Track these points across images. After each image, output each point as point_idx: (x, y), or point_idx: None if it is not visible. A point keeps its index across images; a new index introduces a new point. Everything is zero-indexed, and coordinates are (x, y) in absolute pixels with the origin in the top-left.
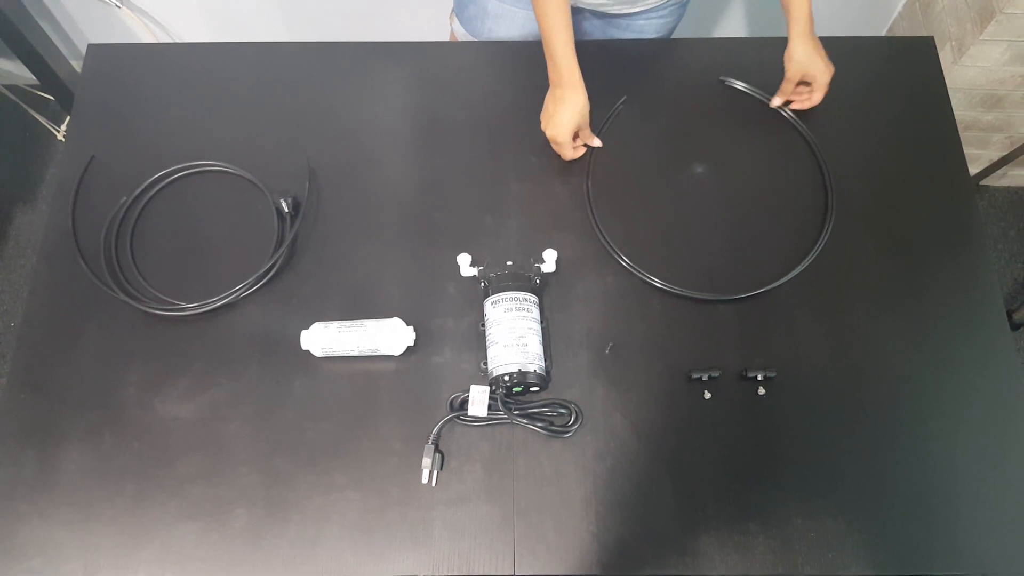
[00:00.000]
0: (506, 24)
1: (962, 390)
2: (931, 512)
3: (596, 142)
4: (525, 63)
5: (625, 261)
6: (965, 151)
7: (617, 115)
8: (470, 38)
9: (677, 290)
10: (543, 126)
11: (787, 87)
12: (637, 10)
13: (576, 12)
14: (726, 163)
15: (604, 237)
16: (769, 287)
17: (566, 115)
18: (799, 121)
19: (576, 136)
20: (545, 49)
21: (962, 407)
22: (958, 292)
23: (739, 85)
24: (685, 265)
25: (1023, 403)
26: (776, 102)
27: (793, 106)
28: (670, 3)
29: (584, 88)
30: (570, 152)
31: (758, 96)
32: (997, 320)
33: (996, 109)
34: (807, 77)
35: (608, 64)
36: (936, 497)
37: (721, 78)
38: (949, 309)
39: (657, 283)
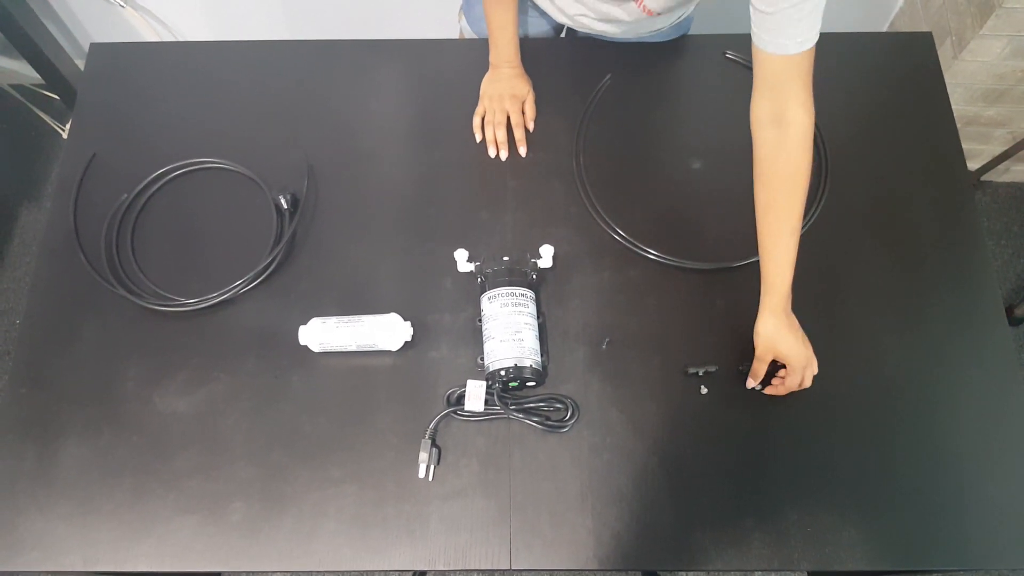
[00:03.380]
0: None
1: (959, 384)
2: (927, 507)
3: (522, 149)
4: (523, 60)
5: (619, 234)
6: (967, 146)
7: (606, 93)
8: (476, 38)
9: (671, 260)
10: (482, 95)
11: (758, 367)
12: (632, 38)
13: (570, 32)
14: (724, 143)
15: (596, 209)
16: (758, 257)
17: (499, 86)
18: None
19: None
20: (489, 34)
21: (959, 401)
22: (955, 286)
23: (743, 59)
24: (680, 238)
25: (1020, 396)
26: (750, 384)
27: (768, 390)
28: (669, 25)
29: (523, 70)
30: (501, 117)
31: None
32: (995, 314)
33: (997, 104)
34: (779, 358)
35: (596, 49)
36: (933, 492)
37: (725, 52)
38: (946, 303)
39: (652, 254)
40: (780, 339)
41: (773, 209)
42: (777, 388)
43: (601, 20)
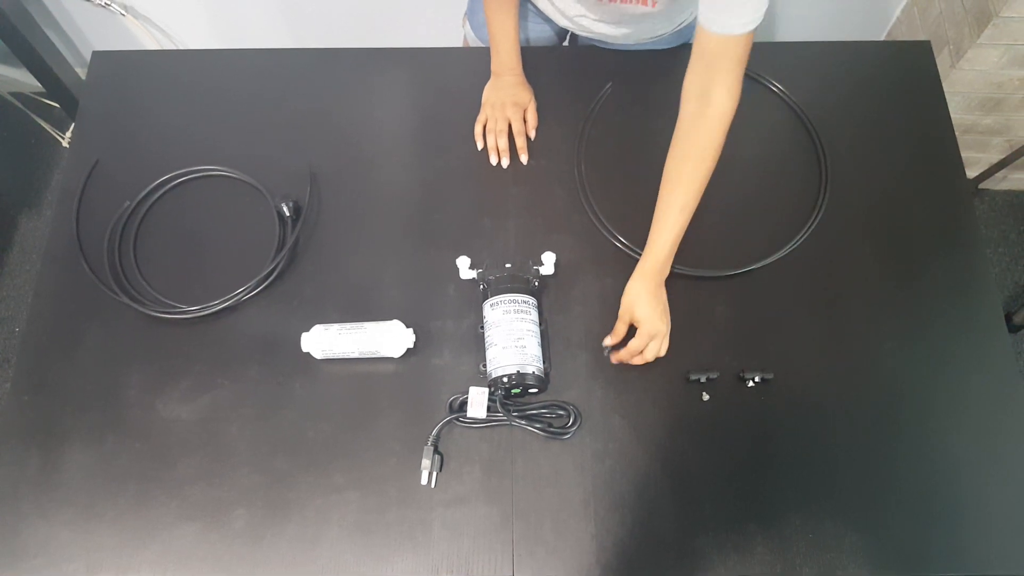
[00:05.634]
0: None
1: (959, 390)
2: (929, 513)
3: (524, 156)
4: (524, 67)
5: (621, 241)
6: (964, 154)
7: (607, 101)
8: (480, 43)
9: (673, 268)
10: (484, 103)
11: (618, 326)
12: (632, 43)
13: (573, 37)
14: (724, 151)
15: (598, 216)
16: (758, 264)
17: (501, 94)
18: (803, 112)
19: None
20: (491, 42)
21: (960, 408)
22: (955, 293)
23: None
24: (681, 245)
25: (1020, 403)
26: (606, 342)
27: (615, 356)
28: (671, 31)
29: (524, 79)
30: (503, 124)
31: (761, 81)
32: (994, 321)
33: (995, 112)
34: (634, 321)
35: (597, 57)
36: (934, 498)
37: None
38: (946, 310)
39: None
40: (640, 303)
41: (672, 180)
42: (621, 354)
43: (600, 21)
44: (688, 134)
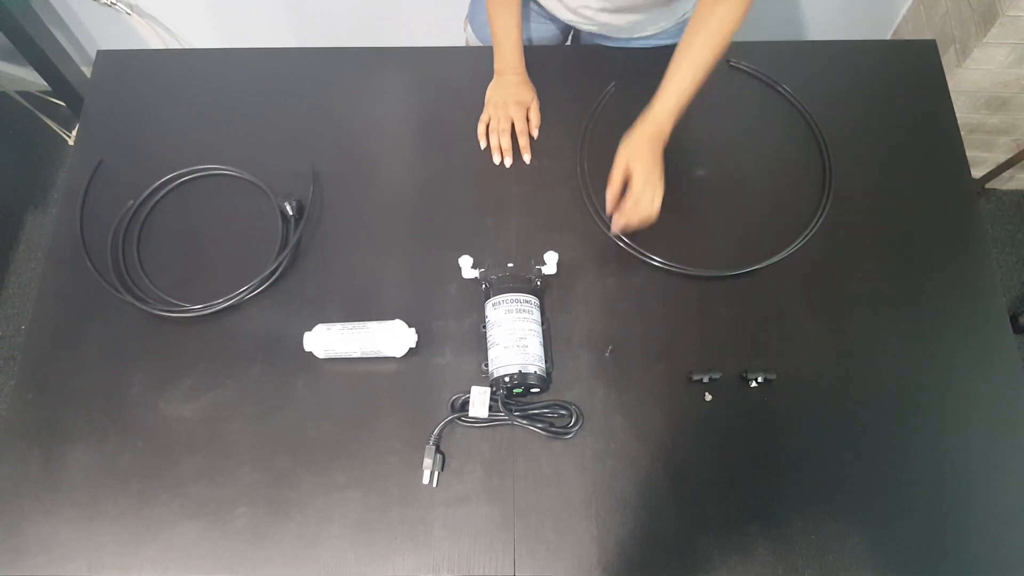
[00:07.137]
0: None
1: (964, 391)
2: (932, 515)
3: (526, 156)
4: (527, 67)
5: (624, 241)
6: (971, 154)
7: (610, 100)
8: (481, 44)
9: (675, 267)
10: (487, 102)
11: (615, 174)
12: (635, 36)
13: (576, 37)
14: (728, 151)
15: (600, 216)
16: (762, 264)
17: (504, 93)
18: (807, 111)
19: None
20: (494, 41)
21: (964, 410)
22: (960, 294)
23: (748, 67)
24: (683, 245)
25: None
26: (610, 208)
27: (616, 217)
28: (673, 24)
29: (527, 78)
30: (505, 124)
31: (766, 80)
32: (1000, 322)
33: (1001, 112)
34: (629, 170)
35: (600, 56)
36: (937, 500)
37: (729, 60)
38: (951, 311)
39: (656, 261)
40: (637, 155)
41: (685, 46)
42: (618, 219)
43: (603, 11)
44: (709, 12)
